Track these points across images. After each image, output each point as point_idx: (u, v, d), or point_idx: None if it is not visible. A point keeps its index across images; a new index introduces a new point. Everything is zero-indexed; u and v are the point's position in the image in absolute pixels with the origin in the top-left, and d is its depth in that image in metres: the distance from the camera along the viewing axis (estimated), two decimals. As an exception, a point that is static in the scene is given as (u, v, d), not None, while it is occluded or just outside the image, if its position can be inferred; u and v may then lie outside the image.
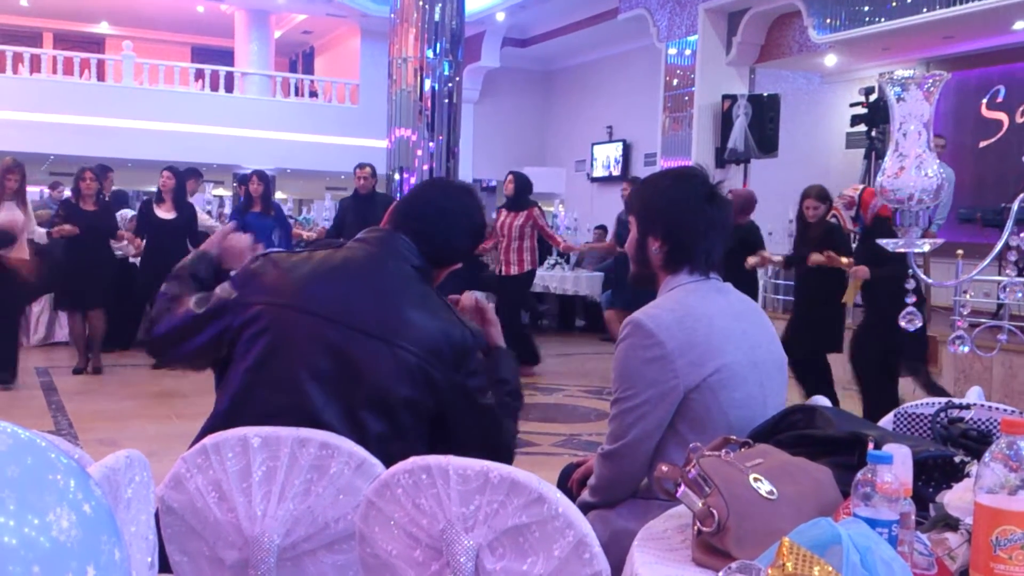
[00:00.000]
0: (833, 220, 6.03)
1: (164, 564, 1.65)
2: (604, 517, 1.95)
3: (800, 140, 11.27)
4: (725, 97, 10.84)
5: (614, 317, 7.81)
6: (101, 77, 16.18)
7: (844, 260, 5.52)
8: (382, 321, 1.81)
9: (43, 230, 6.95)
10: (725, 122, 10.80)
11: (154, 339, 1.97)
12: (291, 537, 1.59)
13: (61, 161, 14.35)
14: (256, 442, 1.61)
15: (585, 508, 1.93)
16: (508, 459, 1.90)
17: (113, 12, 18.81)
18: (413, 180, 9.12)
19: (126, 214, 8.94)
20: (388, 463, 1.71)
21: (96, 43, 19.63)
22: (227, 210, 9.98)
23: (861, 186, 5.99)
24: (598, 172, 14.68)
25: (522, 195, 7.88)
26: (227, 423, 1.73)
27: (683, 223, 1.96)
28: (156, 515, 1.59)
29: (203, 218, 8.23)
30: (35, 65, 15.35)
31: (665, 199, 1.99)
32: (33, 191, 13.68)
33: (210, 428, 1.78)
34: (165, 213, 7.35)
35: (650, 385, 1.85)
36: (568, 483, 2.19)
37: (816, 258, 5.55)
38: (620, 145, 14.24)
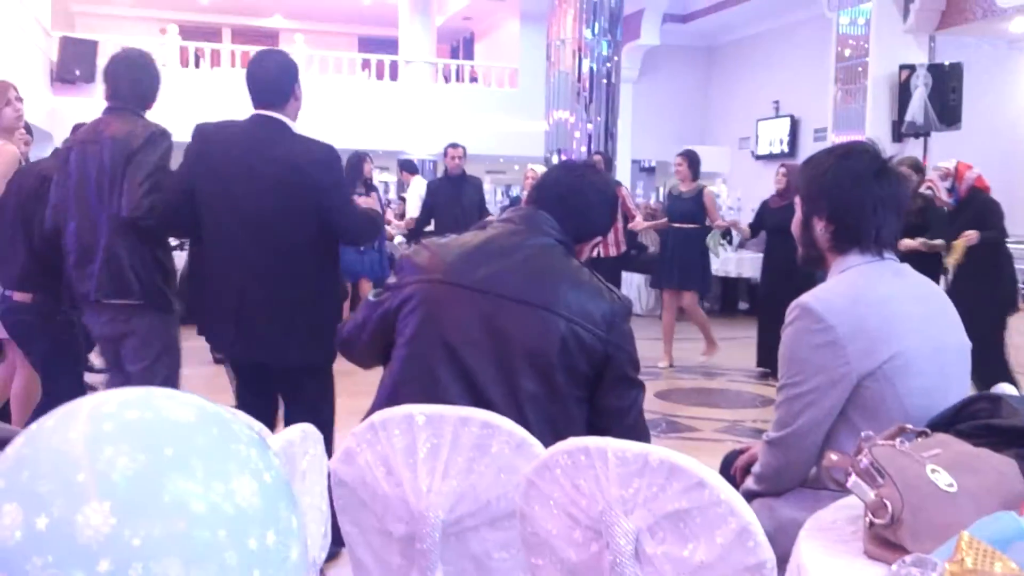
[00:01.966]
0: (928, 192, 5.77)
1: (336, 535, 1.73)
2: (769, 506, 1.90)
3: (985, 111, 10.54)
4: (903, 67, 10.26)
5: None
6: (276, 69, 16.96)
7: (937, 242, 5.43)
8: (529, 289, 1.88)
9: None
10: (902, 93, 10.24)
11: (341, 339, 2.15)
12: (455, 513, 1.63)
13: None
14: (421, 420, 1.66)
15: (749, 496, 1.89)
16: (646, 438, 1.95)
17: (286, 6, 19.70)
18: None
19: None
20: (548, 427, 1.76)
21: (271, 36, 20.62)
22: (392, 195, 10.28)
23: (955, 159, 5.69)
24: (763, 149, 14.24)
25: (609, 173, 7.83)
26: (393, 398, 1.83)
27: (848, 202, 1.87)
28: (328, 487, 1.66)
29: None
30: (215, 59, 16.27)
31: (829, 177, 1.91)
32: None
33: (377, 404, 1.87)
34: None
35: (819, 371, 1.79)
36: (731, 470, 2.14)
37: (908, 243, 5.27)
38: (787, 121, 13.76)
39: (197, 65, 16.08)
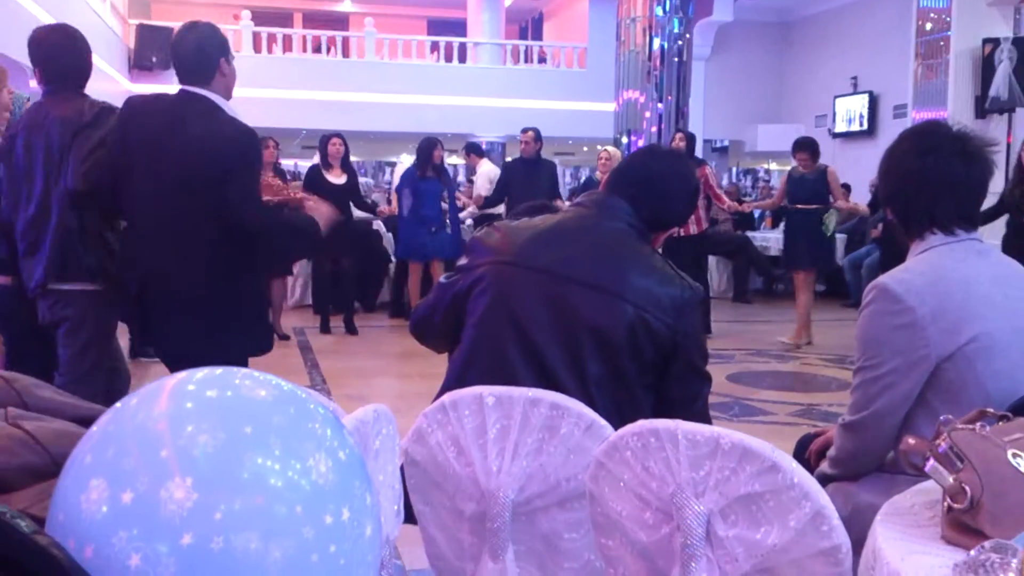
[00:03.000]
0: None
1: (408, 513, 1.75)
2: (845, 490, 1.87)
3: (1073, 85, 10.12)
4: (986, 41, 9.90)
5: None
6: (346, 54, 17.17)
7: None
8: (598, 273, 1.88)
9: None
10: (986, 68, 9.88)
11: (414, 322, 2.18)
12: (525, 493, 1.64)
13: (312, 135, 15.40)
14: (490, 401, 1.67)
15: (824, 480, 1.86)
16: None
17: (356, -10, 19.87)
18: (641, 143, 9.05)
19: (370, 183, 9.55)
20: (614, 411, 1.76)
21: (340, 21, 20.82)
22: (461, 178, 10.32)
23: None
24: (840, 127, 13.89)
25: (692, 153, 7.77)
26: (462, 378, 1.85)
27: (893, 185, 1.90)
28: (401, 467, 1.69)
29: (362, 181, 8.64)
30: (287, 45, 16.50)
31: (882, 163, 1.93)
32: (287, 163, 14.80)
33: (447, 385, 1.89)
34: (335, 178, 7.66)
35: (897, 353, 1.75)
36: (805, 454, 2.11)
37: None
38: (866, 97, 13.39)
39: (270, 50, 16.32)
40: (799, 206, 7.38)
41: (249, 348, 2.75)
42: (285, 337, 7.48)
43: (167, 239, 2.70)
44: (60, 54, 3.06)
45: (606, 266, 1.89)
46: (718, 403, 5.46)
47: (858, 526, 1.48)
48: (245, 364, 2.72)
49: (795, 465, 1.34)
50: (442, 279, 2.11)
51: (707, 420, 1.99)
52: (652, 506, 1.44)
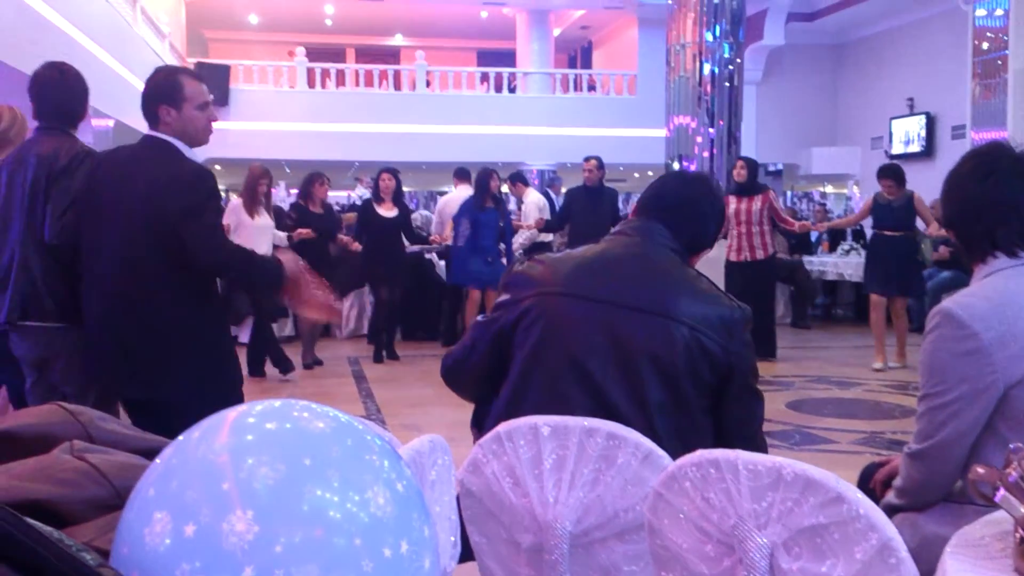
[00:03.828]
0: None
1: (465, 544, 1.74)
2: (912, 521, 1.82)
3: None
4: (1045, 58, 9.71)
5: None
6: (397, 86, 17.43)
7: None
8: (650, 298, 1.87)
9: (283, 234, 7.25)
10: (1045, 86, 9.68)
11: (447, 366, 2.13)
12: (582, 525, 1.62)
13: (366, 167, 15.63)
14: (546, 431, 1.66)
15: (890, 511, 1.82)
16: (764, 450, 1.91)
17: (407, 24, 20.18)
18: (693, 168, 9.01)
19: (430, 216, 9.68)
20: (676, 439, 1.73)
21: (392, 55, 21.16)
22: (512, 206, 10.36)
23: None
24: (897, 149, 13.69)
25: (755, 179, 7.76)
26: (510, 411, 1.83)
27: (954, 208, 1.89)
28: (456, 497, 1.68)
29: (415, 216, 8.73)
30: (340, 79, 16.80)
31: (944, 186, 1.92)
32: (340, 195, 15.01)
33: (496, 419, 1.87)
34: (386, 212, 7.75)
35: (963, 380, 1.70)
36: (870, 484, 2.06)
37: None
38: (923, 118, 13.20)
39: (323, 85, 16.63)
40: (886, 232, 7.38)
41: (208, 385, 2.73)
42: (318, 363, 7.66)
43: (121, 278, 2.73)
44: (50, 92, 3.11)
45: (657, 290, 1.89)
46: (778, 431, 5.37)
47: (926, 558, 1.44)
48: (227, 401, 2.72)
49: (860, 496, 1.30)
50: (479, 318, 2.09)
51: (763, 440, 1.99)
52: (713, 538, 1.41)
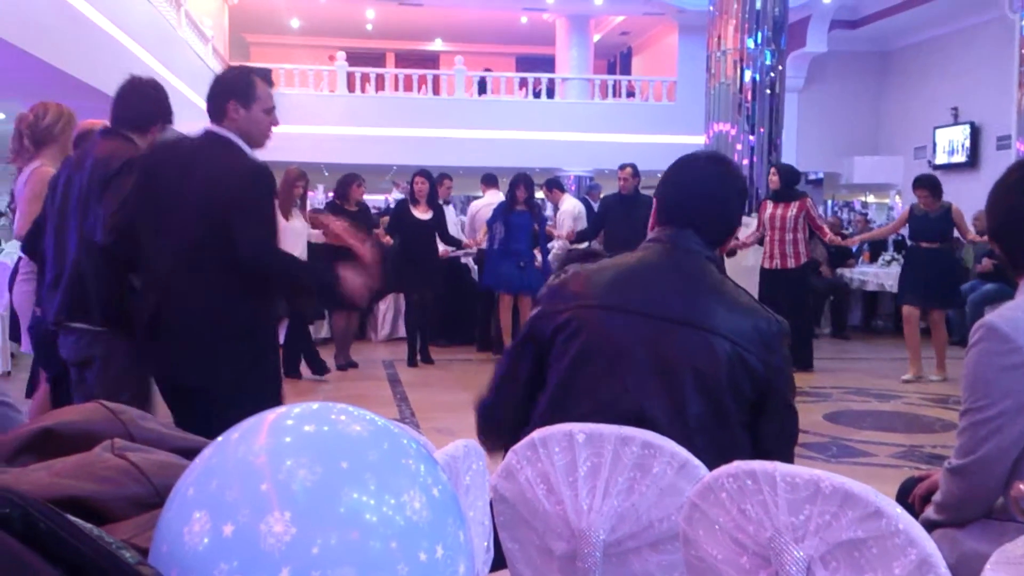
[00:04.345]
0: None
1: (497, 550, 1.74)
2: (951, 537, 1.79)
3: None
4: (1094, 68, 9.54)
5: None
6: (436, 91, 17.51)
7: None
8: (689, 310, 1.84)
9: (317, 231, 7.17)
10: (1094, 96, 9.50)
11: (485, 405, 2.10)
12: (616, 533, 1.61)
13: (403, 171, 15.71)
14: (581, 438, 1.66)
15: (929, 526, 1.79)
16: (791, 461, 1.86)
17: (446, 30, 20.27)
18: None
19: (462, 219, 9.72)
20: (715, 453, 1.71)
21: (431, 60, 21.26)
22: (548, 212, 10.34)
23: None
24: (941, 159, 13.50)
25: (791, 186, 7.66)
26: (548, 422, 1.81)
27: (999, 220, 1.86)
28: (489, 503, 1.68)
29: (452, 219, 8.75)
30: (380, 84, 16.91)
31: (990, 197, 1.89)
32: (377, 199, 15.10)
33: (533, 426, 1.85)
34: (421, 214, 7.78)
35: (1006, 395, 1.67)
36: (909, 498, 2.03)
37: None
38: (967, 128, 13.00)
39: (363, 90, 16.75)
40: (923, 244, 7.31)
41: (252, 379, 2.76)
42: (353, 365, 7.70)
43: (179, 271, 2.77)
44: (119, 99, 3.21)
45: (696, 302, 1.86)
46: (815, 443, 5.31)
47: (966, 575, 1.42)
48: (268, 395, 2.79)
49: (900, 511, 1.28)
50: (509, 346, 2.06)
51: (793, 454, 1.95)
52: (749, 550, 1.40)
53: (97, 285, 3.04)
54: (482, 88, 17.40)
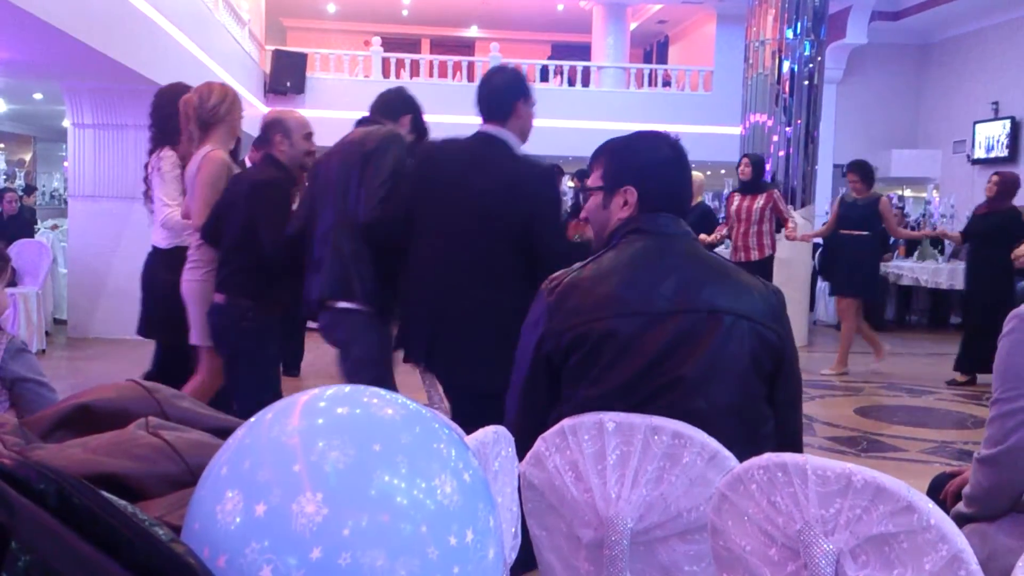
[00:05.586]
0: None
1: (524, 536, 1.75)
2: (982, 532, 1.77)
3: None
4: None
5: None
6: (471, 78, 17.46)
7: None
8: (696, 297, 1.83)
9: None
10: None
11: (510, 420, 2.01)
12: (644, 522, 1.61)
13: (437, 157, 15.68)
14: (611, 427, 1.65)
15: (960, 521, 1.77)
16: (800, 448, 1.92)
17: (482, 16, 20.22)
18: (768, 167, 8.85)
19: None
20: (745, 430, 1.71)
21: (467, 46, 21.22)
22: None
23: None
24: (979, 153, 13.29)
25: (760, 178, 7.57)
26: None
27: None
28: (518, 489, 1.69)
29: None
30: (415, 70, 16.90)
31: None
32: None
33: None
34: None
35: (1039, 387, 1.65)
36: (941, 495, 2.01)
37: None
38: (1007, 123, 12.78)
39: (398, 75, 16.76)
40: (845, 231, 7.33)
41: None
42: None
43: (464, 275, 2.78)
44: (378, 99, 3.50)
45: (699, 288, 1.84)
46: (845, 437, 5.27)
47: (996, 570, 1.40)
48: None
49: (932, 506, 1.27)
50: (518, 378, 1.99)
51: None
52: (778, 542, 1.39)
53: (358, 265, 3.11)
54: (516, 75, 17.35)
